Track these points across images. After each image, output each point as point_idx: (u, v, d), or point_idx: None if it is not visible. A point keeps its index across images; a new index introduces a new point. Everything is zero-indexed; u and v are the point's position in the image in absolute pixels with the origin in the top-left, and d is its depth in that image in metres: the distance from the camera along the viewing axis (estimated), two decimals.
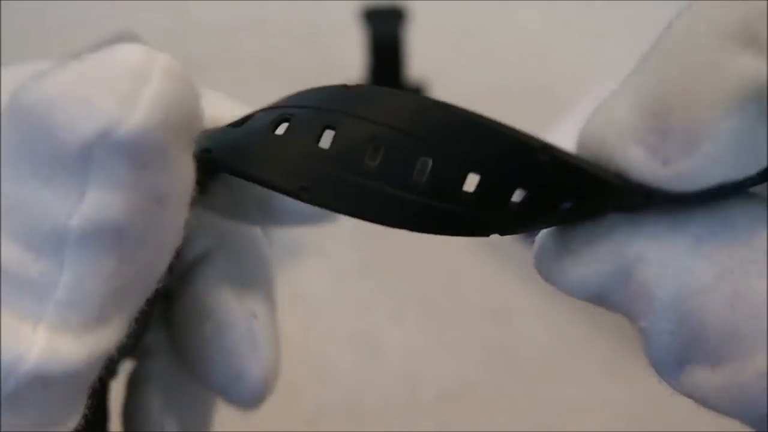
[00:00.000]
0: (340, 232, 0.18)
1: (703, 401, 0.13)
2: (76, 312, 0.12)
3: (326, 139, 0.13)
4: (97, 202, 0.11)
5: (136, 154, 0.11)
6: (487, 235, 0.14)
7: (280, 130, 0.14)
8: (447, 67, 0.56)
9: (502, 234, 0.14)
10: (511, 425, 0.40)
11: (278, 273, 0.47)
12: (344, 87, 0.14)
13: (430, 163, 0.13)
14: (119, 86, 0.11)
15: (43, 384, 0.12)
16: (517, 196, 0.14)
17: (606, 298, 0.14)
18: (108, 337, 0.12)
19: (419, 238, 0.50)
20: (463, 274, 0.46)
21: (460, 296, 0.45)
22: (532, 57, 0.57)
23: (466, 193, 0.13)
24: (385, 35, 0.45)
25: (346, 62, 0.55)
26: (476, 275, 0.46)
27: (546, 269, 0.14)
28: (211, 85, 0.60)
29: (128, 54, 0.11)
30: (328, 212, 0.14)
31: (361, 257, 0.46)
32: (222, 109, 0.16)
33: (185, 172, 0.12)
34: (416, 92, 0.50)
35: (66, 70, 0.11)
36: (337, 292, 0.45)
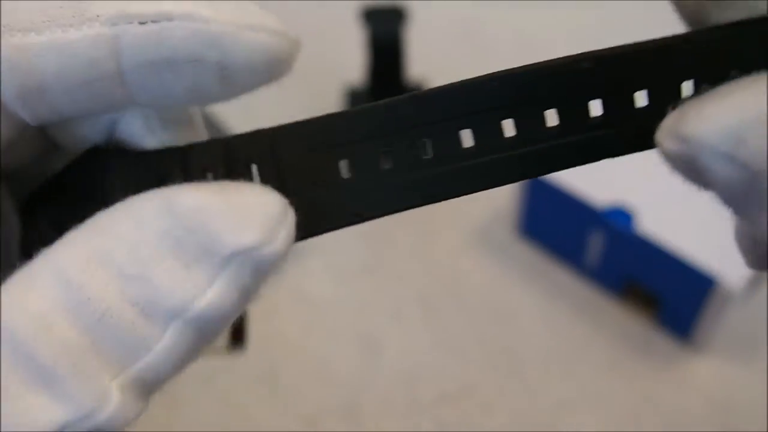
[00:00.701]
0: (340, 232, 0.18)
1: None
2: (152, 377, 0.14)
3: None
4: (220, 294, 0.14)
5: (261, 270, 0.14)
6: (600, 158, 0.17)
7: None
8: (447, 67, 0.56)
9: (618, 151, 0.17)
10: (511, 425, 0.40)
11: (278, 273, 0.47)
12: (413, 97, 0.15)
13: (513, 121, 0.15)
14: (268, 221, 0.14)
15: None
16: (597, 109, 0.15)
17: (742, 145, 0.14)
18: (143, 407, 0.14)
19: (419, 238, 0.50)
20: (463, 274, 0.46)
21: (460, 296, 0.45)
22: (532, 57, 0.57)
23: (551, 127, 0.15)
24: (385, 35, 0.45)
25: (346, 62, 0.55)
26: (476, 275, 0.46)
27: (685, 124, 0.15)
28: None
29: (276, 199, 0.15)
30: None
31: (361, 257, 0.46)
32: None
33: None
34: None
35: (226, 188, 0.14)
36: (337, 292, 0.45)
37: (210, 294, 0.14)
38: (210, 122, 0.44)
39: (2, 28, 0.15)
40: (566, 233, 0.44)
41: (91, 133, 0.17)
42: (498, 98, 0.15)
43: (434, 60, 0.56)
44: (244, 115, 0.53)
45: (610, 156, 0.17)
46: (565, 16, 0.60)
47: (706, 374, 0.41)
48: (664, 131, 0.15)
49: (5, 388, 0.13)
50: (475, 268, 0.46)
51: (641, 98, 0.15)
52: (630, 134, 0.16)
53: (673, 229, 0.39)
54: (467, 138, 0.15)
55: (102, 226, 0.14)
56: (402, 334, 0.43)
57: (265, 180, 0.16)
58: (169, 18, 0.15)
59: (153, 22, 0.15)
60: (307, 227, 0.15)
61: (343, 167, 0.16)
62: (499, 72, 0.16)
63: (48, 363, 0.13)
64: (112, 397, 0.13)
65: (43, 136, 0.17)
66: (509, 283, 0.45)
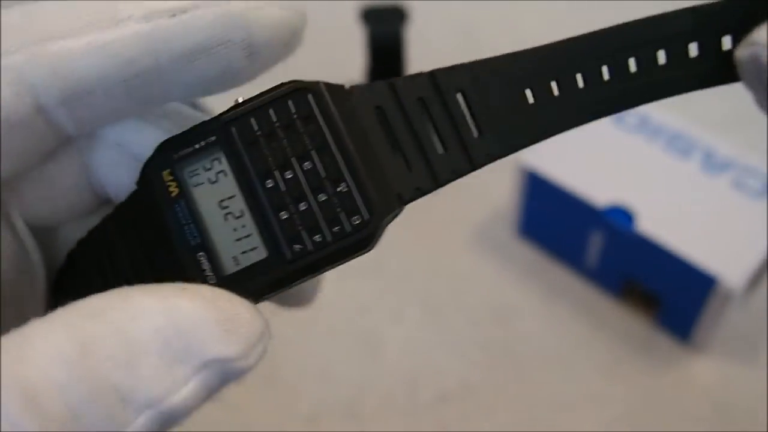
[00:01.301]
0: None
1: None
2: None
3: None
4: (192, 393, 0.15)
5: (229, 379, 0.16)
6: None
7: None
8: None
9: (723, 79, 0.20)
10: (511, 425, 0.40)
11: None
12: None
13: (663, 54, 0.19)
14: (250, 339, 0.16)
15: None
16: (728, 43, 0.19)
17: None
18: None
19: (419, 238, 0.50)
20: (463, 274, 0.46)
21: (460, 296, 0.45)
22: None
23: (693, 58, 0.19)
24: (385, 35, 0.45)
25: (346, 62, 0.55)
26: (476, 275, 0.46)
27: None
28: None
29: (260, 319, 0.16)
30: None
31: (361, 257, 0.46)
32: None
33: None
34: None
35: (221, 298, 0.16)
36: (337, 292, 0.45)
37: (184, 391, 0.15)
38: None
39: (41, 37, 0.15)
40: (566, 233, 0.44)
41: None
42: (685, 27, 0.19)
43: (434, 60, 0.56)
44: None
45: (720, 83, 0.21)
46: (565, 17, 0.60)
47: (706, 374, 0.41)
48: (742, 45, 0.17)
49: None
50: (475, 268, 0.46)
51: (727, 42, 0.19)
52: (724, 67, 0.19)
53: (673, 229, 0.39)
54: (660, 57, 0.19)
55: (100, 311, 0.15)
56: (402, 334, 0.43)
57: (473, 107, 0.18)
58: (196, 6, 0.16)
59: (182, 12, 0.16)
60: (512, 144, 0.19)
61: (529, 95, 0.19)
62: (689, 9, 0.19)
63: None
64: None
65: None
66: (509, 283, 0.45)
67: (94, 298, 0.15)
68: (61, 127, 0.16)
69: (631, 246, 0.40)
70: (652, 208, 0.40)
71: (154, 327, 0.15)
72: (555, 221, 0.44)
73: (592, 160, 0.42)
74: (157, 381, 0.15)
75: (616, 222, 0.40)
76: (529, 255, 0.46)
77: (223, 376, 0.16)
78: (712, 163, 0.42)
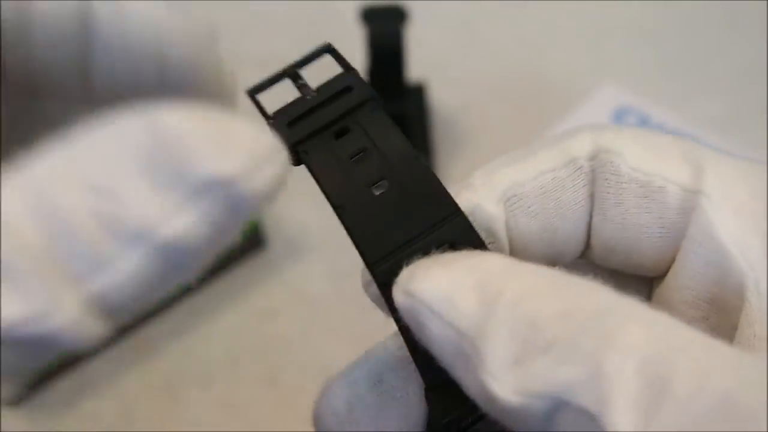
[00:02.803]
0: (340, 232, 0.18)
1: None
2: (113, 298, 0.13)
3: None
4: (187, 225, 0.13)
5: (236, 207, 0.14)
6: None
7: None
8: (447, 67, 0.57)
9: None
10: None
11: (278, 273, 0.47)
12: None
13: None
14: (251, 154, 0.14)
15: (42, 342, 0.13)
16: None
17: None
18: (104, 329, 0.14)
19: None
20: None
21: None
22: (532, 57, 0.57)
23: None
24: (385, 35, 0.45)
25: None
26: None
27: None
28: None
29: (266, 137, 0.14)
30: None
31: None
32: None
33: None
34: (416, 92, 0.50)
35: (216, 115, 0.14)
36: (337, 292, 0.45)
37: (176, 222, 0.13)
38: None
39: None
40: None
41: None
42: None
43: (434, 60, 0.56)
44: (244, 115, 0.53)
45: None
46: (565, 17, 0.60)
47: None
48: (398, 284, 0.16)
49: None
50: None
51: None
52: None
53: None
54: None
55: (81, 138, 0.14)
56: None
57: None
58: None
59: None
60: None
61: None
62: None
63: (9, 260, 0.12)
64: (66, 305, 0.13)
65: None
66: None
67: (79, 133, 0.14)
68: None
69: None
70: None
71: (137, 146, 0.13)
72: None
73: None
74: (145, 209, 0.13)
75: None
76: None
77: (230, 202, 0.13)
78: None
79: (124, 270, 0.13)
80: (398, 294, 0.16)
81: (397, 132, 0.19)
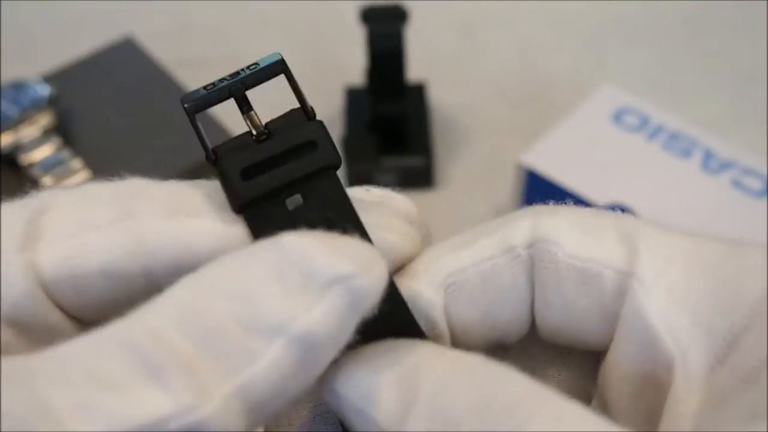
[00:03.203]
0: None
1: None
2: (255, 392, 0.14)
3: None
4: (321, 317, 0.15)
5: (357, 303, 0.15)
6: None
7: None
8: (447, 67, 0.57)
9: None
10: None
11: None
12: None
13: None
14: (363, 257, 0.15)
15: None
16: None
17: None
18: (244, 424, 0.15)
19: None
20: None
21: None
22: (531, 57, 0.57)
23: None
24: (385, 35, 0.45)
25: (346, 62, 0.55)
26: None
27: None
28: None
29: (372, 247, 0.16)
30: None
31: None
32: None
33: None
34: (416, 92, 0.51)
35: (326, 234, 0.16)
36: None
37: (312, 314, 0.15)
38: (211, 123, 0.44)
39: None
40: None
41: None
42: None
43: (434, 60, 0.56)
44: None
45: None
46: (565, 17, 0.60)
47: None
48: (326, 381, 0.17)
49: (120, 382, 0.14)
50: None
51: None
52: None
53: None
54: None
55: (211, 264, 0.15)
56: None
57: None
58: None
59: None
60: None
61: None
62: None
63: (157, 363, 0.14)
64: (213, 398, 0.14)
65: None
66: None
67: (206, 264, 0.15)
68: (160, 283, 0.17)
69: None
70: (652, 208, 0.40)
71: (266, 261, 0.15)
72: None
73: (592, 160, 0.42)
74: (280, 307, 0.14)
75: None
76: None
77: (350, 298, 0.15)
78: (712, 163, 0.42)
79: (264, 363, 0.14)
80: (325, 393, 0.17)
81: (352, 210, 0.18)
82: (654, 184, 0.41)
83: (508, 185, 0.48)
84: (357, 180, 0.49)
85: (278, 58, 0.18)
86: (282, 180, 0.17)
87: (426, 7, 0.58)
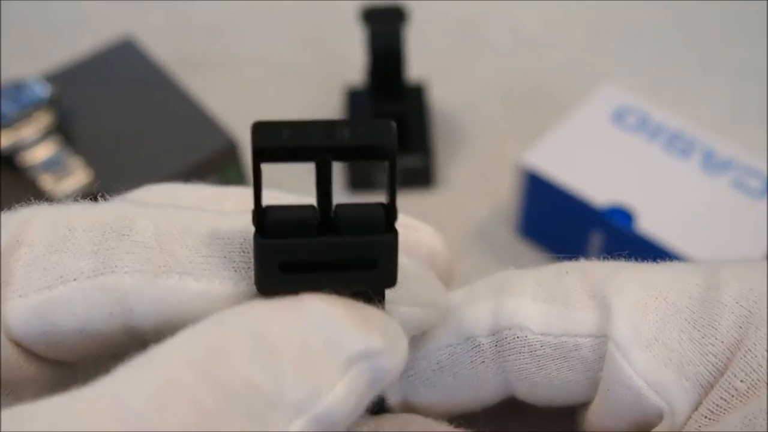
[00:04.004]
0: None
1: None
2: None
3: None
4: (344, 394, 0.14)
5: (377, 380, 0.14)
6: None
7: None
8: (447, 67, 0.57)
9: None
10: None
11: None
12: None
13: None
14: (391, 333, 0.15)
15: None
16: None
17: None
18: None
19: None
20: (463, 274, 0.46)
21: None
22: (531, 57, 0.57)
23: None
24: (385, 35, 0.45)
25: (346, 62, 0.55)
26: (476, 275, 0.45)
27: None
28: (211, 85, 0.60)
29: (396, 322, 0.15)
30: None
31: None
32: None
33: None
34: (416, 92, 0.50)
35: (351, 302, 0.15)
36: None
37: (336, 392, 0.14)
38: (211, 123, 0.44)
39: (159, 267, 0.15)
40: (566, 233, 0.44)
41: None
42: None
43: (434, 60, 0.56)
44: (244, 116, 0.53)
45: None
46: (565, 17, 0.60)
47: None
48: None
49: None
50: (475, 268, 0.46)
51: None
52: None
53: (673, 229, 0.39)
54: None
55: (225, 317, 0.14)
56: None
57: None
58: None
59: None
60: None
61: None
62: None
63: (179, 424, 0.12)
64: None
65: None
66: None
67: (213, 315, 0.14)
68: (146, 336, 0.16)
69: (631, 246, 0.40)
70: (652, 208, 0.40)
71: (288, 325, 0.14)
72: (555, 221, 0.44)
73: (592, 160, 0.42)
74: (305, 381, 0.13)
75: (616, 222, 0.40)
76: (529, 255, 0.46)
77: (373, 375, 0.14)
78: (712, 163, 0.42)
79: None
80: None
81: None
82: (654, 184, 0.41)
83: (508, 185, 0.48)
84: (357, 180, 0.49)
85: (390, 139, 0.14)
86: (322, 287, 0.15)
87: (426, 7, 0.58)
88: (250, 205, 0.14)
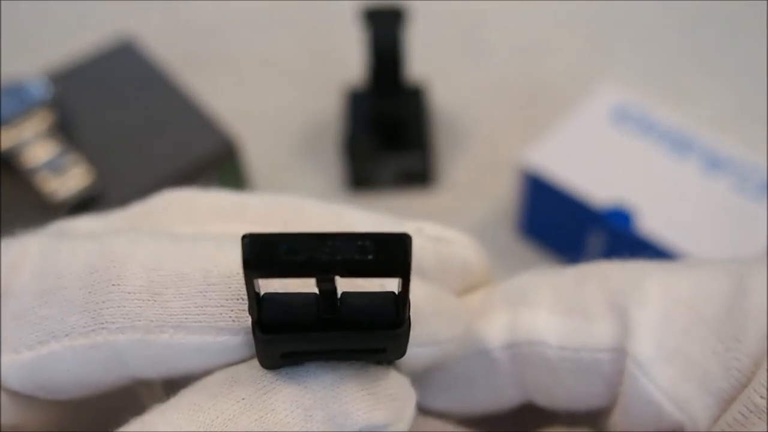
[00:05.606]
0: None
1: None
2: None
3: None
4: None
5: None
6: None
7: None
8: (447, 67, 0.57)
9: None
10: None
11: None
12: None
13: None
14: (397, 402, 0.14)
15: None
16: None
17: None
18: None
19: None
20: None
21: None
22: (531, 57, 0.57)
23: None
24: (385, 35, 0.45)
25: (346, 62, 0.55)
26: None
27: None
28: (211, 85, 0.60)
29: (405, 382, 0.15)
30: None
31: None
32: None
33: None
34: (416, 92, 0.51)
35: (358, 367, 0.14)
36: None
37: None
38: (211, 123, 0.44)
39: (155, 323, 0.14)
40: (566, 233, 0.44)
41: None
42: None
43: (434, 60, 0.56)
44: (244, 116, 0.53)
45: None
46: (565, 17, 0.60)
47: None
48: None
49: None
50: None
51: None
52: None
53: (673, 229, 0.39)
54: None
55: (227, 387, 0.14)
56: None
57: None
58: None
59: None
60: None
61: None
62: None
63: None
64: None
65: None
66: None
67: (219, 375, 0.14)
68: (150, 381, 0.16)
69: (631, 246, 0.40)
70: (652, 208, 0.40)
71: (294, 400, 0.14)
72: (555, 221, 0.44)
73: (592, 160, 0.42)
74: None
75: (616, 222, 0.40)
76: (529, 255, 0.46)
77: None
78: (712, 163, 0.42)
79: None
80: None
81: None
82: (654, 184, 0.41)
83: (508, 185, 0.48)
84: (357, 180, 0.49)
85: (404, 258, 0.12)
86: (328, 360, 0.14)
87: (426, 7, 0.58)
88: (273, 216, 0.14)
